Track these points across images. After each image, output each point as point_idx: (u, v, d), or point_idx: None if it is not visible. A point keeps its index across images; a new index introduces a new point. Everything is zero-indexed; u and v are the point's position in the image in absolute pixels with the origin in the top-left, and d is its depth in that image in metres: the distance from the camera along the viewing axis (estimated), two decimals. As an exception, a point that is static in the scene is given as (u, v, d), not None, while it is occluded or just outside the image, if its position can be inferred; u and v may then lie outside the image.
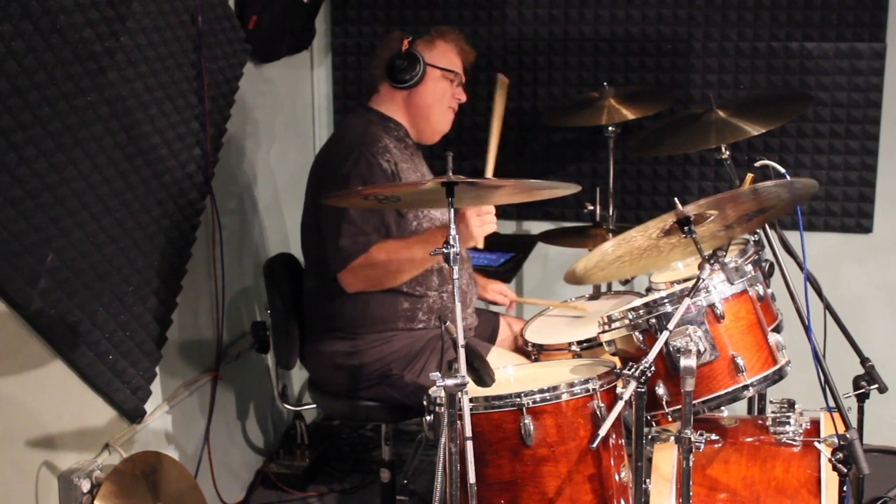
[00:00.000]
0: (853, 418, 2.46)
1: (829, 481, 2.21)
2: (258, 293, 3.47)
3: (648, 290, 2.79)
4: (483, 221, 2.53)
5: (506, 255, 3.52)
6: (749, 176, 2.44)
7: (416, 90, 2.82)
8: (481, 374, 2.05)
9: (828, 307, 2.75)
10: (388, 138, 2.80)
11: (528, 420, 2.12)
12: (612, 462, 2.18)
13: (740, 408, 2.95)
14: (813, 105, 3.53)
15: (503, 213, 3.93)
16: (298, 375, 3.81)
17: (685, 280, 2.73)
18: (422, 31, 2.87)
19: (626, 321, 2.32)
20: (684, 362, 2.06)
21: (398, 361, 2.74)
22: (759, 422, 2.45)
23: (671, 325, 2.10)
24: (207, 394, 3.16)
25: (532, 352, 2.73)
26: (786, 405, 2.41)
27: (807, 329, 2.31)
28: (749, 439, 2.39)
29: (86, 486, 2.43)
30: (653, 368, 2.03)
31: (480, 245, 2.55)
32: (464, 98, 2.91)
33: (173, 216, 2.80)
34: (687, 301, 2.13)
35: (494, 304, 3.17)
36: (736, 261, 2.42)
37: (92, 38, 2.37)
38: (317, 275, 2.86)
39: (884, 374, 2.74)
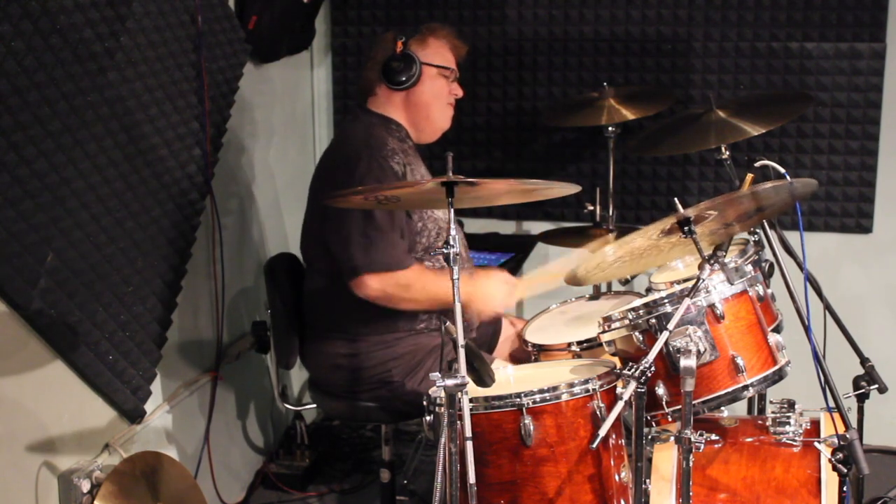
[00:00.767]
0: (853, 418, 2.45)
1: (829, 481, 2.21)
2: (258, 293, 3.47)
3: (648, 290, 2.78)
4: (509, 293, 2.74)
5: (506, 255, 3.52)
6: (749, 176, 2.43)
7: (414, 90, 2.82)
8: (481, 374, 2.05)
9: (828, 307, 2.74)
10: (392, 140, 2.80)
11: (527, 420, 2.12)
12: (612, 462, 2.18)
13: (740, 408, 2.95)
14: (813, 105, 3.53)
15: (503, 213, 3.94)
16: (298, 375, 3.81)
17: (685, 280, 2.71)
18: (412, 31, 2.86)
19: (626, 321, 2.32)
20: (684, 362, 2.06)
21: (400, 368, 2.74)
22: (759, 422, 2.44)
23: (671, 326, 2.10)
24: (207, 394, 3.16)
25: (532, 352, 2.73)
26: (786, 405, 2.41)
27: (807, 329, 2.31)
28: (749, 439, 2.38)
29: (86, 486, 2.43)
30: (653, 368, 2.03)
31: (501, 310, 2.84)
32: (460, 93, 2.90)
33: (173, 216, 2.80)
34: (687, 301, 2.13)
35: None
36: (736, 261, 2.42)
37: (92, 38, 2.37)
38: (318, 275, 2.85)
39: (884, 374, 2.73)
